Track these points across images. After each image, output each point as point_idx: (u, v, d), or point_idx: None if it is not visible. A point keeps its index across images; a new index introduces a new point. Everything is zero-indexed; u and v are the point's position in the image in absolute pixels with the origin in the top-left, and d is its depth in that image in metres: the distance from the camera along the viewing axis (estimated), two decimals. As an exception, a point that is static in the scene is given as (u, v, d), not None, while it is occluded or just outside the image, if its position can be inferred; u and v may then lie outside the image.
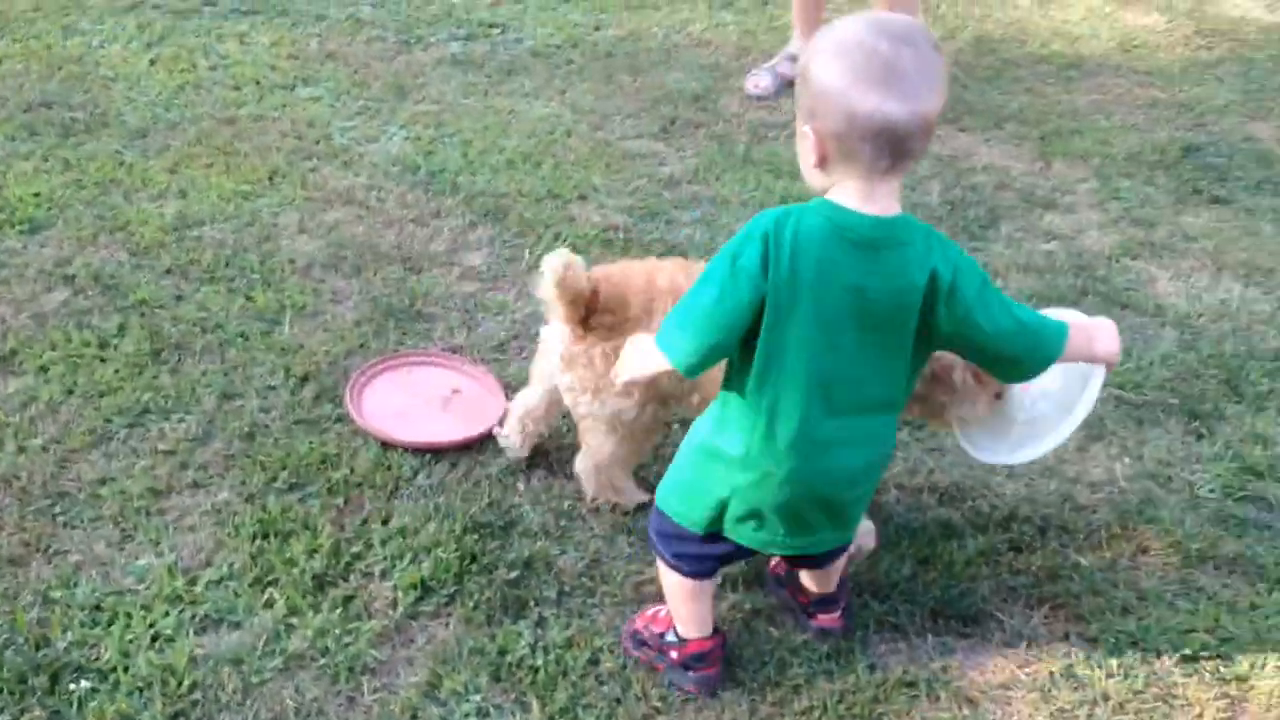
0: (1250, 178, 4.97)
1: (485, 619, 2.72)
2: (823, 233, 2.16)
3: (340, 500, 2.99)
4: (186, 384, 3.32)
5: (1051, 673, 2.72)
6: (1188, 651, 2.78)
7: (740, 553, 2.56)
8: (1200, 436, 3.51)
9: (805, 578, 2.74)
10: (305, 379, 3.38)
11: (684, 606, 2.61)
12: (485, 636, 2.67)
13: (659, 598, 2.70)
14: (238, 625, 2.66)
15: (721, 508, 2.45)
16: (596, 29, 5.89)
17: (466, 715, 2.50)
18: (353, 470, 3.07)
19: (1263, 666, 2.76)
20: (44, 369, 3.33)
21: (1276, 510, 3.26)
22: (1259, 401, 3.66)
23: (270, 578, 2.76)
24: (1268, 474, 3.38)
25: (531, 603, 2.78)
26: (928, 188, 4.67)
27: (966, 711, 2.61)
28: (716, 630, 2.65)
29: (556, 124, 4.92)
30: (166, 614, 2.65)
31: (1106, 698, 2.67)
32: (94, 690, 2.47)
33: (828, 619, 2.74)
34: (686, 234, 4.21)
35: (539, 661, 2.62)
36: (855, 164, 2.13)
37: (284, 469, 3.05)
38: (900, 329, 2.23)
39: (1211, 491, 3.29)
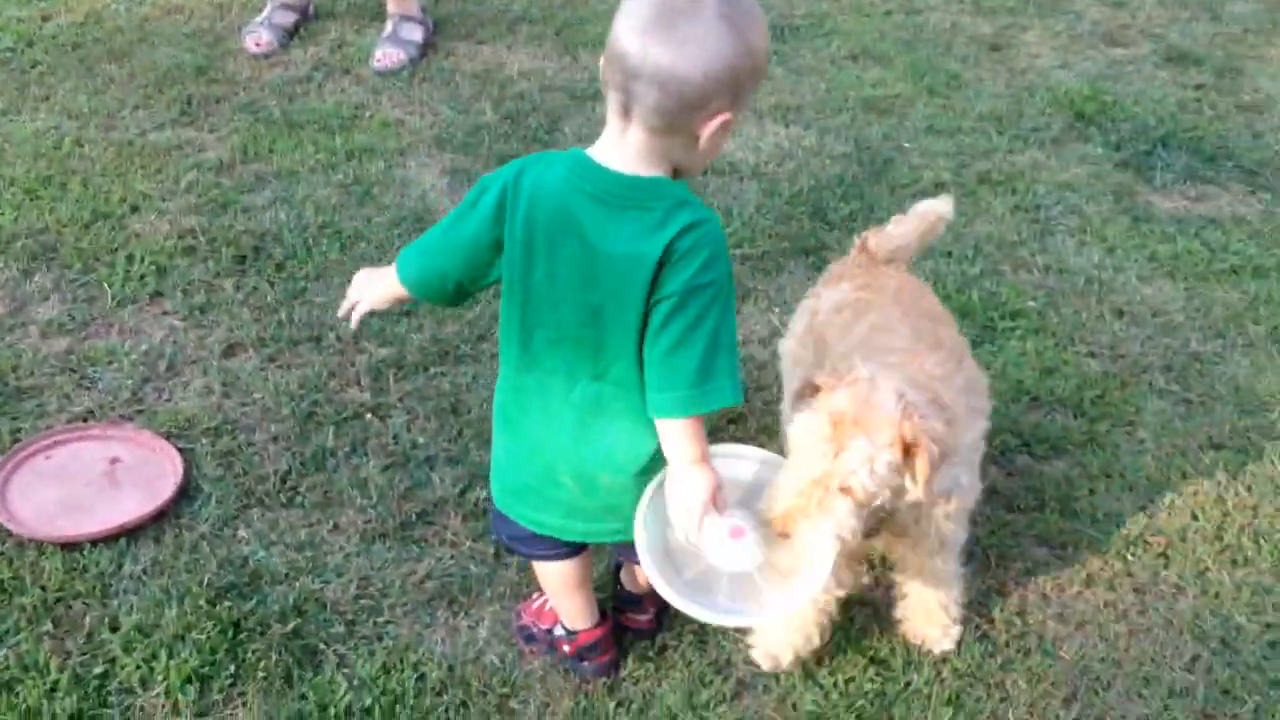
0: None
1: (284, 682, 2.46)
2: (563, 185, 2.04)
3: (49, 624, 2.54)
4: None
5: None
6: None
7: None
8: (820, 268, 3.83)
9: (626, 574, 2.64)
10: (-72, 506, 2.80)
11: (565, 600, 2.50)
12: (295, 701, 2.43)
13: (474, 591, 2.63)
14: (6, 810, 2.23)
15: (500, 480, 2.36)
16: (46, 20, 5.17)
17: (320, 787, 2.28)
18: (44, 588, 2.62)
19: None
20: None
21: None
22: (846, 225, 4.07)
23: (18, 739, 2.32)
24: (881, 283, 3.79)
25: (322, 646, 2.55)
26: (481, 108, 4.65)
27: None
28: (605, 615, 2.56)
29: (60, 136, 4.32)
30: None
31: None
32: None
33: (637, 619, 2.64)
34: (271, 217, 3.90)
35: (367, 701, 2.42)
36: (609, 110, 2.02)
37: (-40, 616, 2.55)
38: (625, 299, 2.04)
39: (850, 313, 3.64)
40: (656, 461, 2.16)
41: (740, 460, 2.29)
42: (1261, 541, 2.95)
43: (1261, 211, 4.33)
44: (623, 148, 2.01)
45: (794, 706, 2.50)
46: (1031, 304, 3.74)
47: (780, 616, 2.30)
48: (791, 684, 2.55)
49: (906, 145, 4.63)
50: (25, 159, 4.18)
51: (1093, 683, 2.60)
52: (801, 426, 2.15)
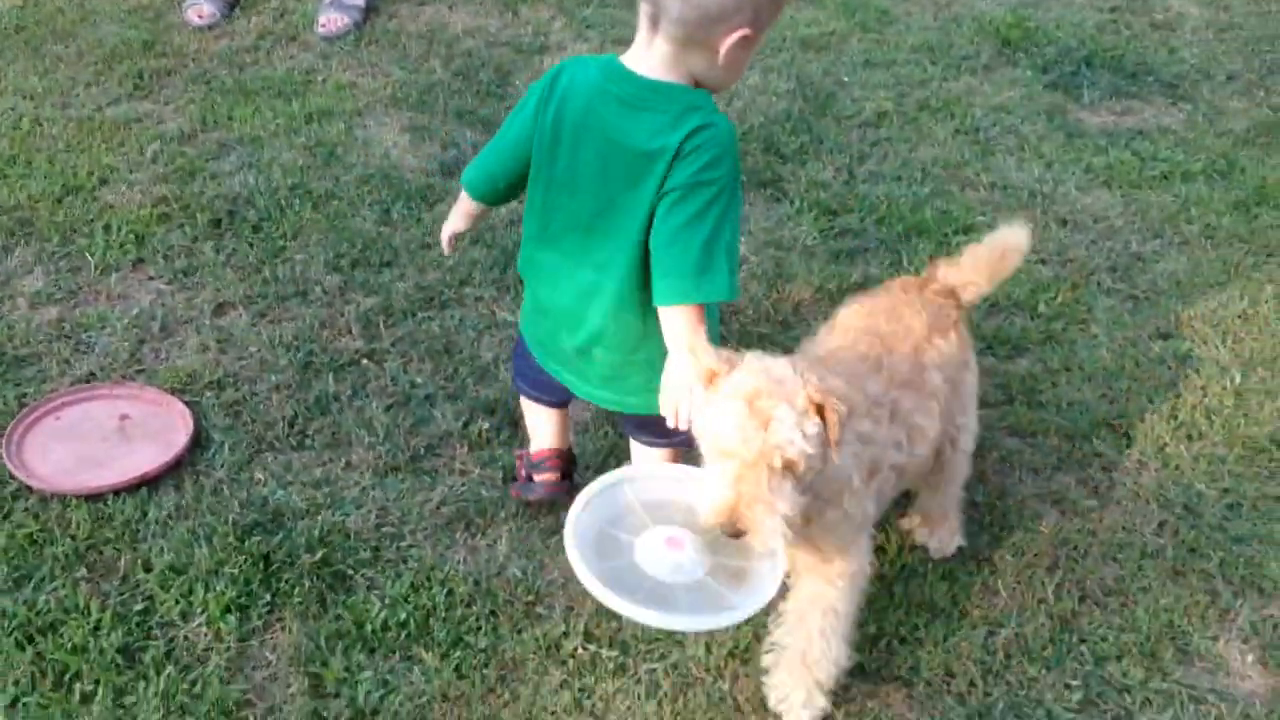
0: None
1: (320, 607, 2.57)
2: (593, 85, 2.25)
3: (83, 570, 2.62)
4: None
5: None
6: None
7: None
8: (779, 199, 4.00)
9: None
10: (-53, 471, 2.85)
11: (530, 420, 2.82)
12: (331, 621, 2.54)
13: (488, 514, 2.82)
14: (67, 735, 2.31)
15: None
16: (-19, 5, 5.15)
17: (369, 693, 2.39)
18: (74, 537, 2.69)
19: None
20: None
21: (861, 234, 3.84)
22: (798, 157, 4.23)
23: (70, 673, 2.40)
24: (840, 209, 3.96)
25: (351, 572, 2.66)
26: (431, 66, 4.72)
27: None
28: (563, 452, 2.82)
29: (17, 115, 4.31)
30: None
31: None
32: None
33: None
34: (241, 181, 3.95)
35: (402, 616, 2.54)
36: (640, 21, 2.21)
37: (-6, 568, 2.62)
38: (636, 191, 2.22)
39: (814, 240, 3.80)
40: (645, 343, 2.36)
41: (668, 480, 2.27)
42: (1213, 417, 3.17)
43: (1184, 120, 4.58)
44: (649, 57, 2.21)
45: (802, 592, 2.67)
46: (981, 219, 3.93)
47: (758, 609, 2.09)
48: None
49: (846, 79, 4.80)
50: (-15, 141, 4.19)
51: (1071, 552, 2.79)
52: (716, 415, 2.01)
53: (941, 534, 2.80)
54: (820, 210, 3.94)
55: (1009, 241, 2.65)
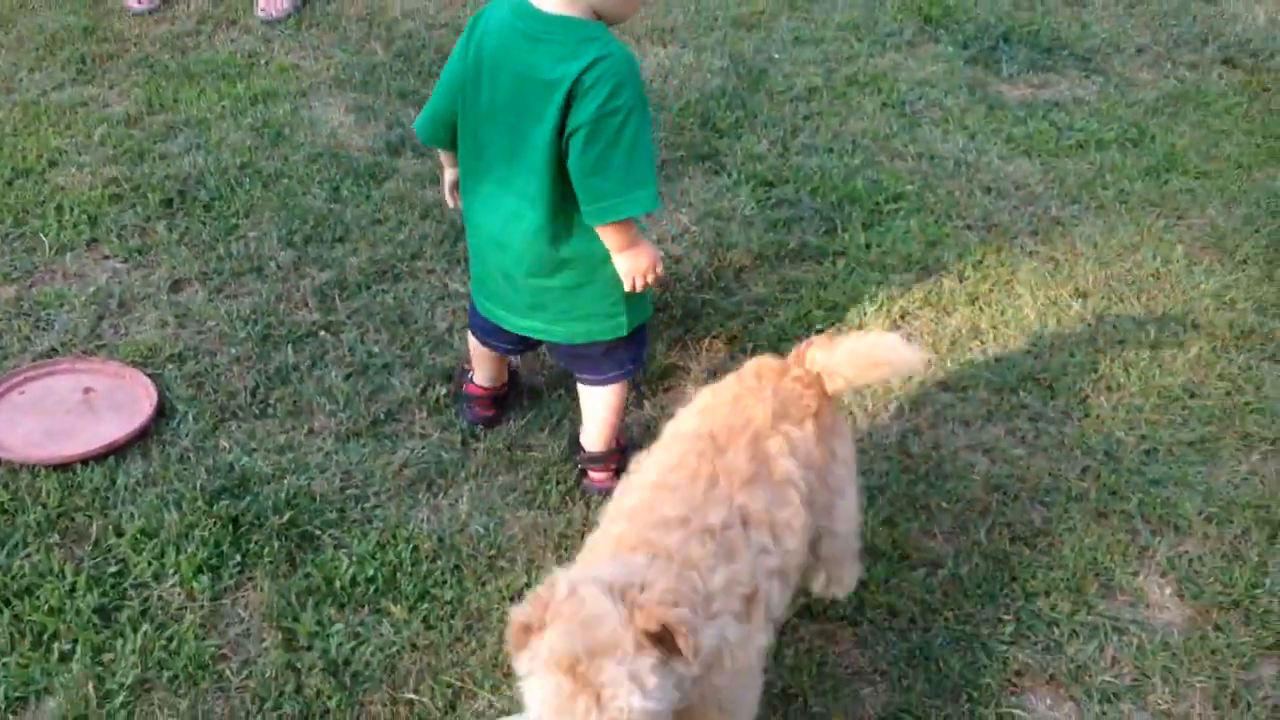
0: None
1: (289, 566, 2.67)
2: (504, 23, 2.49)
3: (56, 536, 2.69)
4: None
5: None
6: (819, 327, 3.43)
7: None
8: (718, 172, 4.14)
9: (583, 436, 2.96)
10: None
11: (474, 355, 3.05)
12: (301, 579, 2.64)
13: (449, 474, 2.95)
14: (48, 691, 2.39)
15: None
16: (-84, -6, 5.12)
17: (340, 645, 2.50)
18: (44, 505, 2.76)
19: (865, 315, 3.50)
20: None
21: (796, 204, 4.00)
22: (734, 131, 4.37)
23: (48, 633, 2.48)
24: (776, 180, 4.11)
25: (318, 532, 2.76)
26: (372, 48, 4.80)
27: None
28: (497, 393, 3.08)
29: (-44, 102, 4.33)
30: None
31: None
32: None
33: (598, 476, 2.93)
34: (190, 162, 4.01)
35: (369, 572, 2.65)
36: None
37: (-32, 535, 2.68)
38: (542, 122, 2.45)
39: (752, 209, 3.95)
40: (563, 269, 2.64)
41: None
42: (1130, 370, 3.36)
43: (1098, 92, 4.79)
44: None
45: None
46: (910, 187, 4.10)
47: None
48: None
49: (777, 56, 4.95)
50: (-75, 126, 4.20)
51: (1002, 497, 2.96)
52: (539, 697, 1.72)
53: (842, 577, 2.61)
54: (757, 182, 4.09)
55: (888, 355, 2.41)
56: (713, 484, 2.09)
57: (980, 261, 3.76)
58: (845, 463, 2.44)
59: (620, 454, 2.90)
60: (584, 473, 2.94)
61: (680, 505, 2.03)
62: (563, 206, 2.54)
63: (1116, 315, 3.56)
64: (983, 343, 3.45)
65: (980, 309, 3.57)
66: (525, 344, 2.92)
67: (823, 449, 2.32)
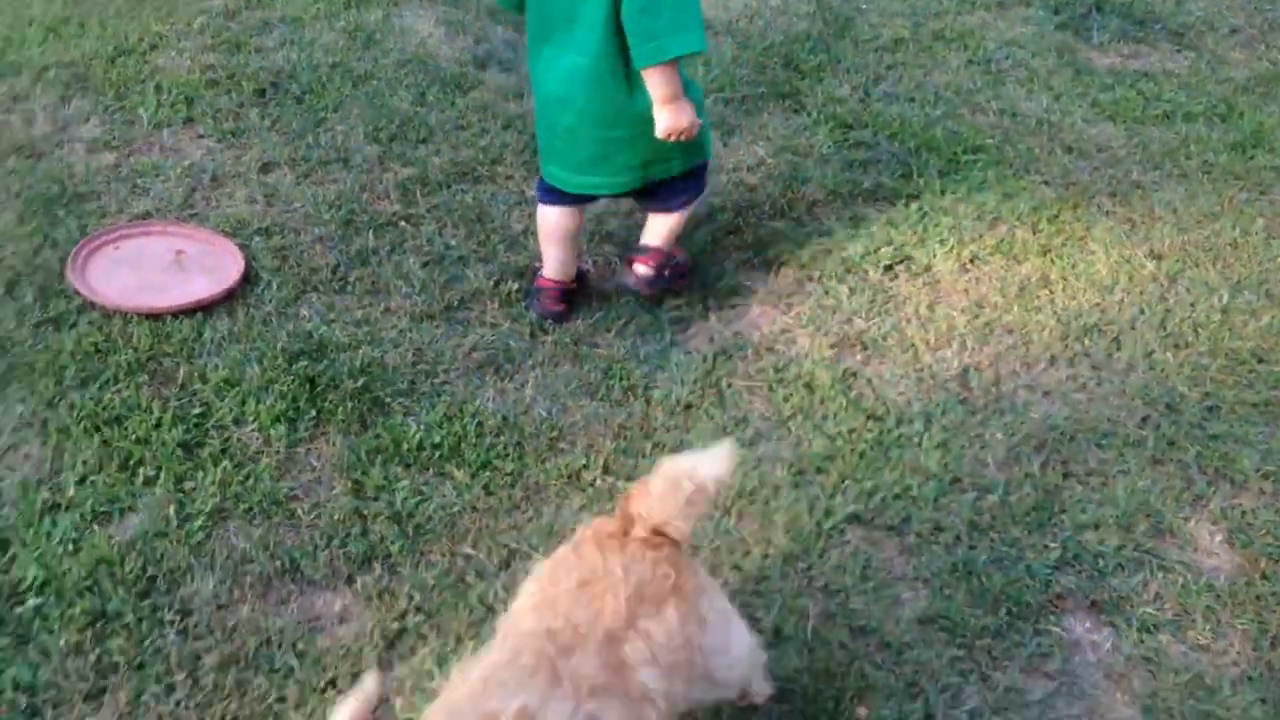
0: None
1: (360, 425, 2.77)
2: None
3: (144, 377, 2.81)
4: None
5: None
6: (887, 263, 3.47)
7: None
8: (797, 111, 4.18)
9: (643, 236, 3.21)
10: (14, 283, 3.04)
11: (548, 248, 3.17)
12: (371, 438, 2.74)
13: (516, 360, 3.04)
14: (131, 510, 2.51)
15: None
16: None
17: (405, 500, 2.60)
18: (135, 350, 2.88)
19: (934, 256, 3.53)
20: None
21: (874, 147, 4.03)
22: (816, 74, 4.40)
23: (135, 459, 2.60)
24: (855, 123, 4.14)
25: (389, 400, 2.85)
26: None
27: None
28: (564, 285, 3.18)
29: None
30: (54, 523, 2.44)
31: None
32: (40, 607, 2.31)
33: (641, 263, 3.17)
34: (284, 56, 4.13)
35: (436, 439, 2.74)
36: None
37: (63, 368, 2.81)
38: None
39: (829, 149, 3.99)
40: (621, 121, 2.84)
41: None
42: (1199, 330, 3.36)
43: (1188, 66, 4.76)
44: None
45: (806, 450, 2.87)
46: (990, 141, 4.11)
47: None
48: (802, 433, 2.91)
49: (864, 6, 4.97)
50: (40, 1, 4.33)
51: (1059, 436, 2.98)
52: None
53: (750, 695, 2.30)
54: (836, 123, 4.12)
55: (689, 471, 1.95)
56: (555, 682, 1.72)
57: (1056, 216, 3.77)
58: (720, 618, 2.06)
59: (668, 256, 3.18)
60: (629, 261, 3.20)
61: (517, 697, 1.67)
62: (620, 60, 2.75)
63: (1190, 279, 3.56)
64: (1051, 292, 3.46)
65: (1052, 260, 3.58)
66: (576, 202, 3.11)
67: (690, 625, 1.92)
